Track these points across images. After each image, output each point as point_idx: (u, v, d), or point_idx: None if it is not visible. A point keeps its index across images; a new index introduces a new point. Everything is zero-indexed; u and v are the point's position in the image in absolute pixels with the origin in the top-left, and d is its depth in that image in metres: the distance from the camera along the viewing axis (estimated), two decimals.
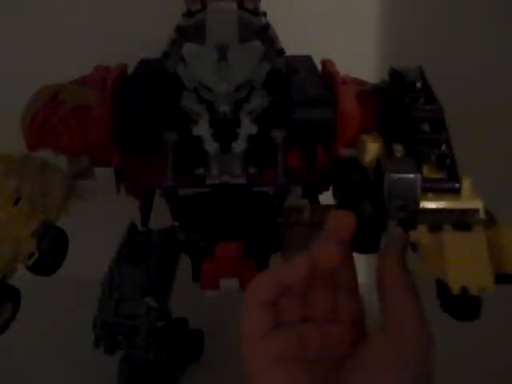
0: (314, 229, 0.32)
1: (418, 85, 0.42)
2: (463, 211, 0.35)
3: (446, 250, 0.29)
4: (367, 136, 0.42)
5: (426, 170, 0.37)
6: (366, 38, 0.77)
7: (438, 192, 0.36)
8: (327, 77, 0.46)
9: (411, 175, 0.37)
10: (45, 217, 0.41)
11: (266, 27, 0.43)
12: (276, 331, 0.28)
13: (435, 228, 0.31)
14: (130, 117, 0.43)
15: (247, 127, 0.42)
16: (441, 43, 0.76)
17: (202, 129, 0.42)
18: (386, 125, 0.43)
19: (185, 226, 0.49)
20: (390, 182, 0.36)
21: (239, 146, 0.42)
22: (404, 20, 0.77)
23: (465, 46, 0.76)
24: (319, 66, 0.49)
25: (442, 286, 0.30)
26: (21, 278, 0.39)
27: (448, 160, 0.38)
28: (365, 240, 0.32)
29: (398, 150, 0.39)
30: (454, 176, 0.37)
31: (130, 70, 0.49)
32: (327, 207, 0.48)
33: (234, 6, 0.41)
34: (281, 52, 0.43)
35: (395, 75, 0.44)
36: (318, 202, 0.53)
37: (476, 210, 0.35)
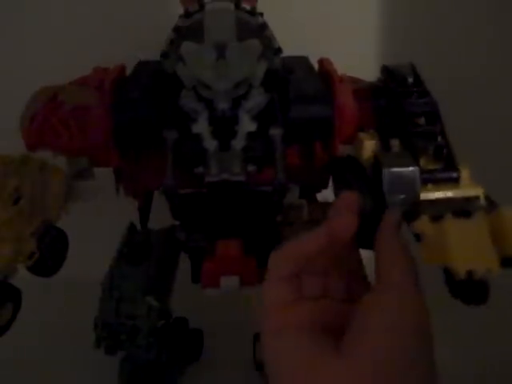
0: (313, 226, 0.33)
1: (410, 80, 0.43)
2: (464, 199, 0.36)
3: (448, 237, 0.30)
4: (364, 134, 0.42)
5: (423, 162, 0.38)
6: (366, 38, 0.77)
7: (437, 183, 0.37)
8: (325, 75, 0.46)
9: (409, 168, 0.37)
10: (45, 217, 0.41)
11: (264, 26, 0.43)
12: (298, 302, 0.30)
13: (437, 217, 0.32)
14: (130, 115, 0.44)
15: (246, 125, 0.42)
16: (441, 43, 0.76)
17: (201, 127, 0.42)
18: (382, 122, 0.43)
19: (185, 224, 0.49)
20: (389, 176, 0.36)
21: (238, 143, 0.42)
22: (404, 20, 0.78)
23: (465, 46, 0.76)
24: (316, 67, 0.50)
25: (448, 273, 0.30)
26: (21, 278, 0.39)
27: (445, 151, 0.38)
28: (367, 235, 0.32)
29: (395, 145, 0.40)
30: (451, 165, 0.37)
31: (129, 72, 0.49)
32: (326, 205, 0.48)
33: (232, 6, 0.42)
34: (278, 51, 0.43)
35: (387, 72, 0.44)
36: (316, 201, 0.53)
37: (477, 198, 0.36)
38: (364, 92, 0.45)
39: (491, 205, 0.35)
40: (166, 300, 0.50)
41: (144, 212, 0.54)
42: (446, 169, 0.37)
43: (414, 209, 0.34)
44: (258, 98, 0.42)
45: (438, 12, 0.76)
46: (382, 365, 0.25)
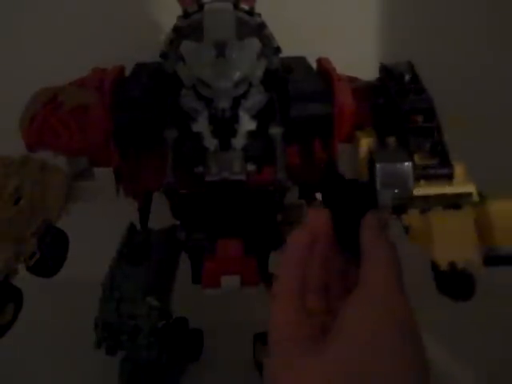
0: None
1: (407, 77, 0.43)
2: (456, 196, 0.36)
3: (432, 228, 0.30)
4: (361, 132, 0.43)
5: (417, 158, 0.38)
6: (366, 37, 0.77)
7: (430, 179, 0.37)
8: (323, 74, 0.46)
9: (402, 163, 0.37)
10: (45, 217, 0.41)
11: (262, 26, 0.43)
12: (302, 320, 0.30)
13: (425, 210, 0.32)
14: (130, 115, 0.44)
15: (246, 123, 0.42)
16: (441, 43, 0.76)
17: (201, 126, 0.42)
18: (379, 120, 0.43)
19: (185, 223, 0.49)
20: (382, 171, 0.37)
21: (238, 142, 0.42)
22: (404, 20, 0.78)
23: (465, 46, 0.76)
24: (314, 67, 0.50)
25: (435, 267, 0.30)
26: (22, 278, 0.39)
27: (439, 147, 0.38)
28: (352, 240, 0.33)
29: (391, 142, 0.40)
30: (445, 162, 0.38)
31: (127, 73, 0.49)
32: None
33: (230, 6, 0.42)
34: (277, 50, 0.44)
35: (385, 70, 0.45)
36: (316, 201, 0.53)
37: (469, 194, 0.36)
38: (362, 91, 0.45)
39: (483, 201, 0.35)
40: (167, 300, 0.50)
41: (144, 212, 0.54)
42: (440, 165, 0.38)
43: (404, 202, 0.34)
44: (257, 97, 0.42)
45: (437, 12, 0.77)
46: (355, 362, 0.25)
